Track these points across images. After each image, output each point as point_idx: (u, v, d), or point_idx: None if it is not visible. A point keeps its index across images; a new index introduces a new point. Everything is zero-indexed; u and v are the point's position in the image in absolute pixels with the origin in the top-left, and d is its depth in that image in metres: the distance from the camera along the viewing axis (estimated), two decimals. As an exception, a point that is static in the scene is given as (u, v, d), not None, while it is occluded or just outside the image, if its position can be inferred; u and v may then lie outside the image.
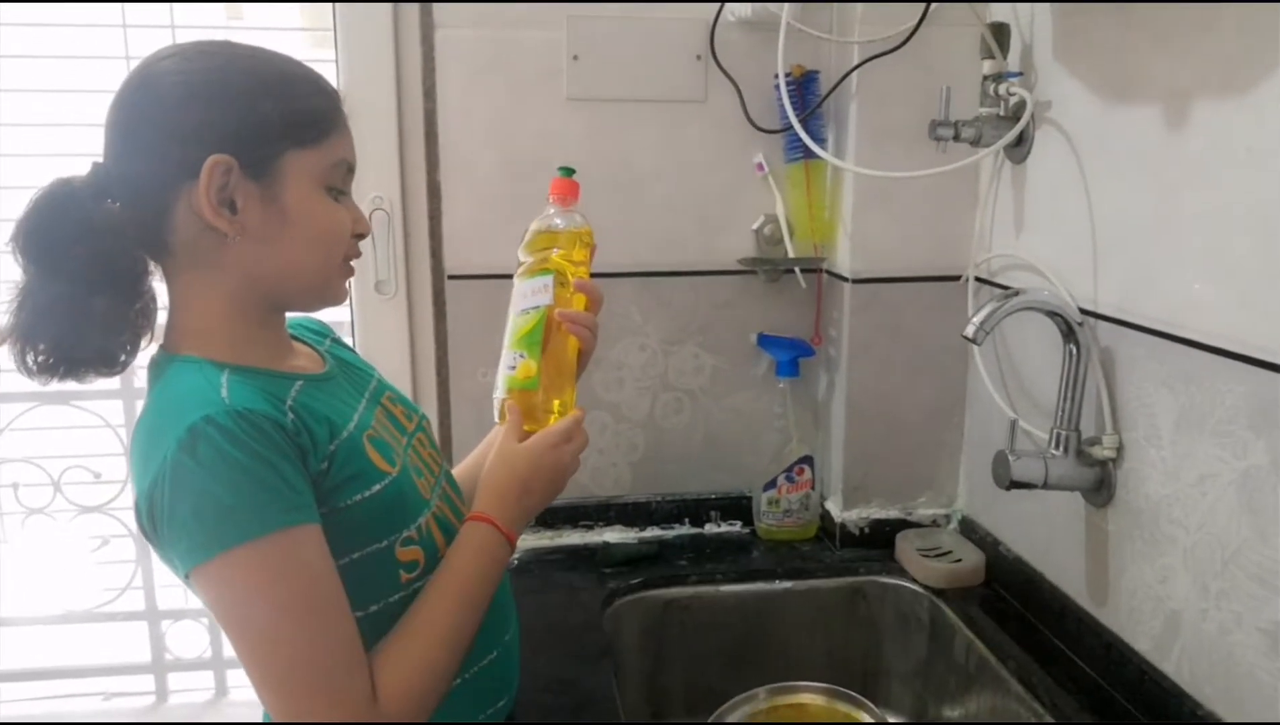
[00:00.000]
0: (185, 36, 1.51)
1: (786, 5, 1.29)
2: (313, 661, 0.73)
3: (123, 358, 0.83)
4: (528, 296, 0.95)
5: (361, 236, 0.88)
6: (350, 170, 0.86)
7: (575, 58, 1.39)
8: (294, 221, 0.82)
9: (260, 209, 0.80)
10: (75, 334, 0.79)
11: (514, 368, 0.93)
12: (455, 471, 1.05)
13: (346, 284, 0.90)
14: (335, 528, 0.78)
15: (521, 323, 0.94)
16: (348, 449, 0.81)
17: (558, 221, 0.98)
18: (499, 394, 0.95)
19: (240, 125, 0.78)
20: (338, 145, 0.84)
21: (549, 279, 0.95)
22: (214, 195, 0.78)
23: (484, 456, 1.04)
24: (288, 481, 0.74)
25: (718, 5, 1.37)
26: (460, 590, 0.84)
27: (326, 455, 0.79)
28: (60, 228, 0.78)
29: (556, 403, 0.95)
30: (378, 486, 0.82)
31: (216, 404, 0.73)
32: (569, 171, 0.99)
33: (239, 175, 0.79)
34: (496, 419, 0.96)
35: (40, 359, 0.79)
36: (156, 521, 0.73)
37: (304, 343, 0.95)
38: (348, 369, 0.95)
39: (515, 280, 0.97)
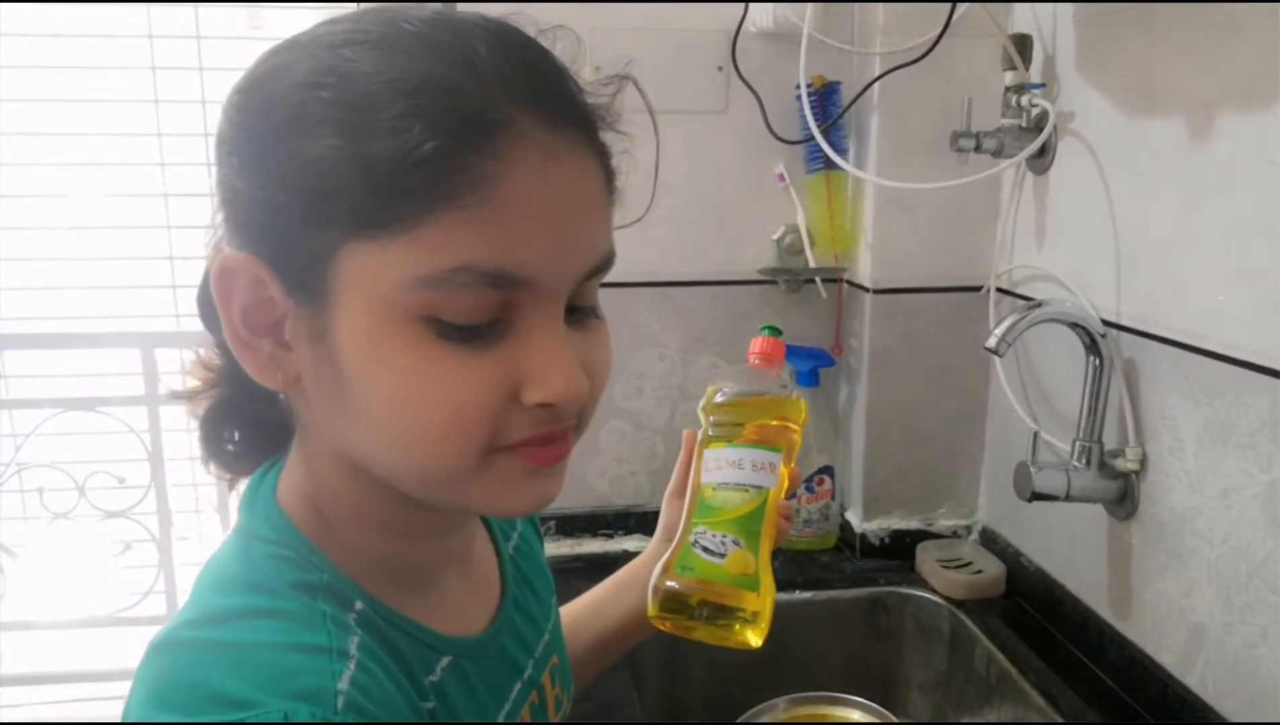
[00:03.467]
0: (210, 46, 1.49)
1: (808, 15, 1.29)
2: None
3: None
4: (745, 469, 0.74)
5: (546, 406, 0.49)
6: (502, 281, 0.46)
7: (597, 69, 1.39)
8: (352, 380, 0.48)
9: (310, 350, 0.49)
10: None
11: (721, 554, 0.70)
12: (566, 609, 0.81)
13: (537, 483, 0.52)
14: None
15: (736, 500, 0.73)
16: None
17: (779, 389, 0.80)
18: (672, 583, 0.71)
19: (285, 195, 0.46)
20: (450, 234, 0.45)
21: (777, 457, 0.75)
22: (239, 322, 0.50)
23: (582, 621, 0.84)
24: None
25: (739, 16, 1.37)
26: None
27: None
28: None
29: (767, 616, 0.71)
30: None
31: (325, 694, 0.45)
32: (777, 332, 0.82)
33: (279, 290, 0.48)
34: (651, 603, 0.71)
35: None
36: None
37: (493, 537, 0.67)
38: (523, 610, 0.66)
39: (715, 444, 0.77)
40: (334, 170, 0.44)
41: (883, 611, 1.42)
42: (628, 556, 1.45)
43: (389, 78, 0.44)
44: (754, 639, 0.70)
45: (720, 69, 1.41)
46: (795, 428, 0.78)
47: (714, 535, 0.71)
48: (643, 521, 1.53)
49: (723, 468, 0.75)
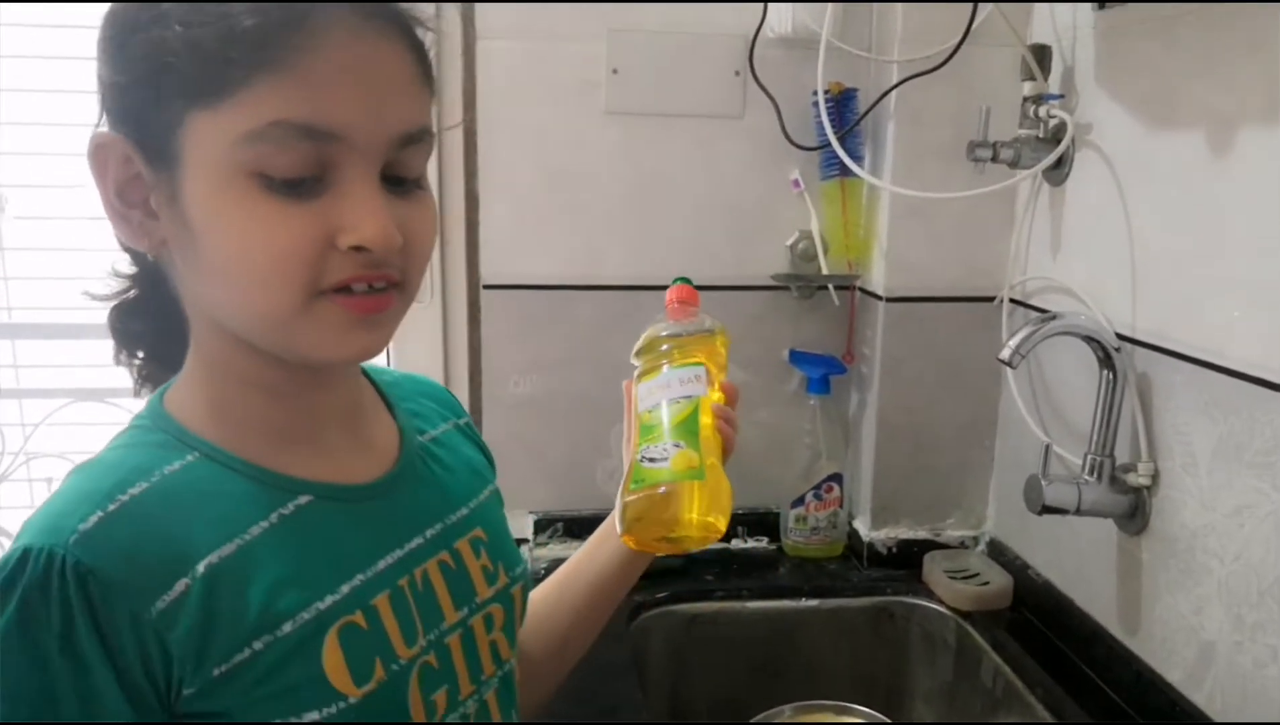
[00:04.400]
0: None
1: (827, 22, 1.29)
2: None
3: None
4: (673, 386, 0.81)
5: (358, 248, 0.55)
6: (312, 133, 0.53)
7: (615, 71, 1.40)
8: (199, 235, 0.55)
9: (169, 214, 0.57)
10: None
11: (664, 459, 0.76)
12: (533, 605, 0.84)
13: (360, 332, 0.58)
14: None
15: (671, 412, 0.79)
16: (285, 649, 0.56)
17: (706, 322, 0.88)
18: (629, 498, 0.77)
19: (127, 83, 0.55)
20: (266, 93, 0.52)
21: (700, 370, 0.82)
22: (114, 195, 0.58)
23: (571, 580, 0.89)
24: (88, 698, 0.52)
25: (757, 22, 1.37)
26: None
27: (231, 660, 0.55)
28: None
29: (724, 503, 0.77)
30: (314, 715, 0.56)
31: (64, 533, 0.53)
32: (687, 280, 0.92)
33: (142, 164, 0.56)
34: (620, 529, 0.78)
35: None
36: None
37: (393, 415, 0.72)
38: (428, 483, 0.71)
39: (644, 378, 0.84)
40: (174, 51, 0.52)
41: (889, 621, 1.42)
42: (634, 560, 1.46)
43: None
44: (719, 523, 0.75)
45: (737, 74, 1.41)
46: (718, 347, 0.84)
47: (655, 447, 0.77)
48: (650, 525, 1.53)
49: (653, 393, 0.81)
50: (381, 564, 0.63)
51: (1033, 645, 1.26)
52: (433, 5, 0.62)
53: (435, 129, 0.60)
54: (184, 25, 0.52)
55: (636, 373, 0.85)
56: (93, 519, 0.53)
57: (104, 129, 0.57)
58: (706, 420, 0.78)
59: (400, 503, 0.67)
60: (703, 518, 0.75)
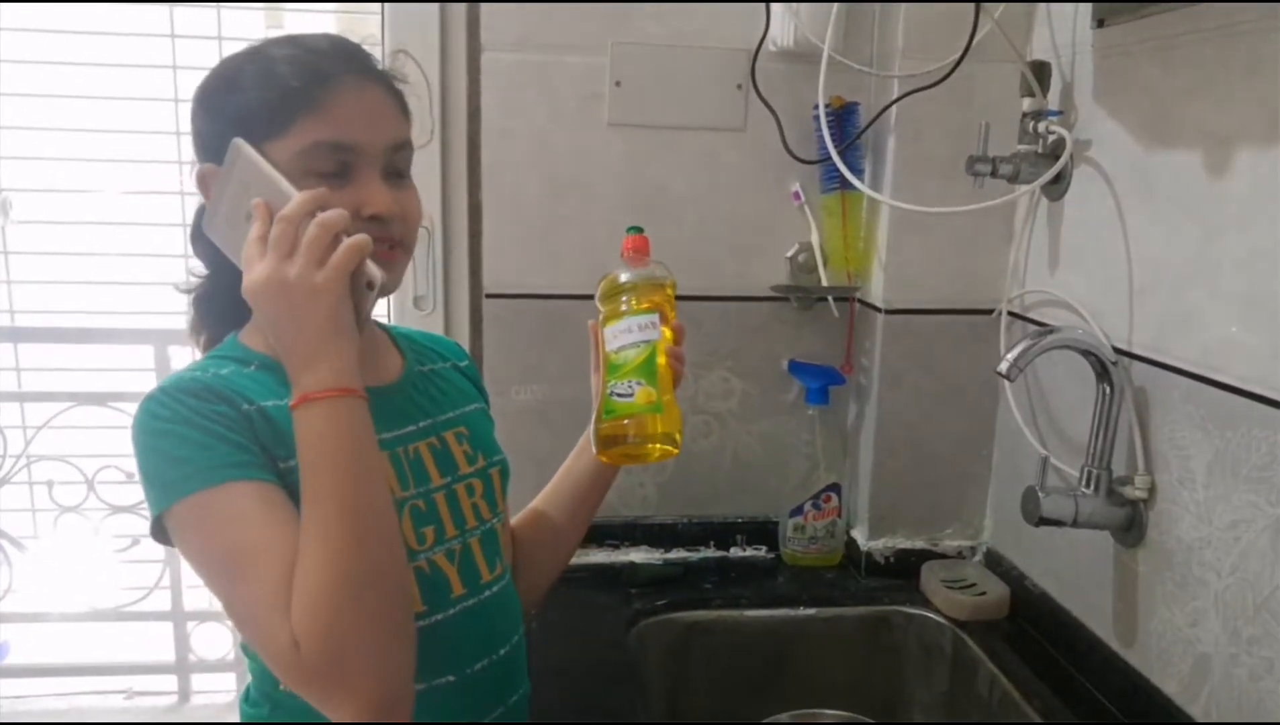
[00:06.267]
0: (231, 47, 1.56)
1: (829, 37, 1.30)
2: (248, 612, 0.76)
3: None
4: (634, 332, 0.97)
5: (374, 217, 0.83)
6: (338, 147, 0.82)
7: (618, 84, 1.41)
8: None
9: None
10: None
11: (630, 395, 0.94)
12: (533, 503, 1.10)
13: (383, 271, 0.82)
14: None
15: (633, 355, 0.95)
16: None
17: (657, 271, 1.01)
18: (602, 426, 0.95)
19: (221, 129, 0.82)
20: (310, 126, 0.81)
21: (655, 316, 0.97)
22: None
23: (560, 485, 1.09)
24: (225, 441, 0.78)
25: (759, 36, 1.38)
26: (311, 492, 0.75)
27: (287, 462, 0.79)
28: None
29: (677, 429, 0.95)
30: None
31: (173, 378, 0.83)
32: (639, 229, 1.04)
33: None
34: (595, 449, 0.97)
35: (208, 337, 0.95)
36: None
37: (401, 354, 0.96)
38: (422, 394, 0.95)
39: (609, 322, 0.99)
40: (253, 105, 0.81)
41: (886, 630, 1.43)
42: (634, 567, 1.47)
43: (280, 58, 0.82)
44: (672, 448, 0.94)
45: (739, 87, 1.43)
46: (668, 293, 1.00)
47: (622, 384, 0.94)
48: (649, 532, 1.54)
49: (618, 336, 0.97)
50: (383, 435, 0.85)
51: (1029, 655, 1.27)
52: (406, 62, 0.94)
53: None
54: (259, 91, 0.81)
55: (601, 316, 1.00)
56: (188, 375, 0.82)
57: (203, 163, 0.85)
58: (662, 361, 0.96)
59: (398, 403, 0.91)
60: (663, 448, 0.94)
